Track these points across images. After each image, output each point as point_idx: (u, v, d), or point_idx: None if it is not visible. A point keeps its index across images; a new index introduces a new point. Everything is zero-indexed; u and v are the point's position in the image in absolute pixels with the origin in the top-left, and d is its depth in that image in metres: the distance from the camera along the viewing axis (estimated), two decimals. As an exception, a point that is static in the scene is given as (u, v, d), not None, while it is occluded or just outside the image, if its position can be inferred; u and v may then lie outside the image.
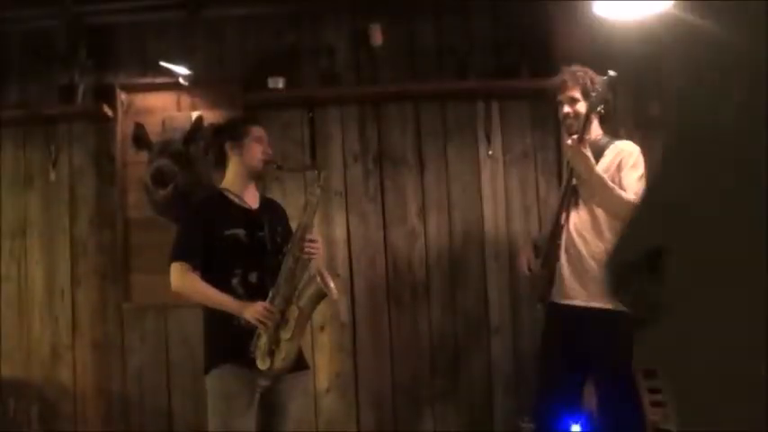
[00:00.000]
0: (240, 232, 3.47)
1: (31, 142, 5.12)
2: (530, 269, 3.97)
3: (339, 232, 5.07)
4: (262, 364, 3.33)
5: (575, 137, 3.61)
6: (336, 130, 5.14)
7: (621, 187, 3.60)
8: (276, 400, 3.48)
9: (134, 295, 5.00)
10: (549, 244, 3.79)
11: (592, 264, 3.65)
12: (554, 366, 3.82)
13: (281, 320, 3.35)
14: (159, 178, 4.86)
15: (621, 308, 3.61)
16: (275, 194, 4.61)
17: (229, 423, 3.36)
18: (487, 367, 5.03)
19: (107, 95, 5.02)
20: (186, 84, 5.03)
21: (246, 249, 3.47)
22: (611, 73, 3.53)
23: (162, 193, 4.85)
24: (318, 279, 3.39)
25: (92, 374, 5.01)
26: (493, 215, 5.11)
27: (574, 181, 3.73)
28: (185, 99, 5.13)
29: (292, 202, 4.62)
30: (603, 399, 3.71)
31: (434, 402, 5.01)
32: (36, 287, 5.07)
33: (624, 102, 4.87)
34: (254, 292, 3.43)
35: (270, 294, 3.39)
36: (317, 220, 4.97)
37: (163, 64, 4.99)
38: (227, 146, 3.63)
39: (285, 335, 3.34)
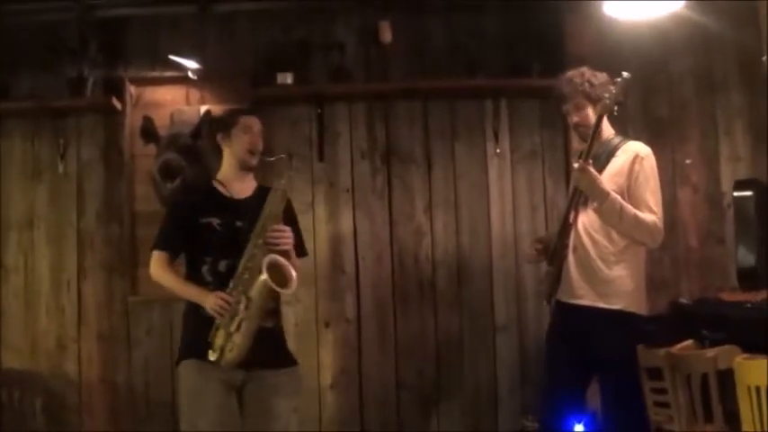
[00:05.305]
0: (214, 220, 3.38)
1: (40, 135, 5.13)
2: (537, 250, 3.92)
3: (346, 229, 5.07)
4: (212, 356, 3.22)
5: (580, 160, 3.56)
6: (345, 126, 5.14)
7: (635, 198, 3.57)
8: (257, 399, 3.34)
9: (140, 288, 5.00)
10: (558, 243, 3.77)
11: (600, 264, 3.62)
12: (559, 365, 3.81)
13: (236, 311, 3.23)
14: (167, 172, 4.86)
15: (628, 309, 3.64)
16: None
17: (195, 422, 3.25)
18: (493, 365, 5.02)
19: (116, 89, 5.04)
20: (195, 78, 5.05)
21: (219, 238, 3.37)
22: (625, 74, 3.46)
23: (170, 186, 4.85)
24: (265, 271, 3.20)
25: (97, 366, 5.02)
26: (500, 214, 5.11)
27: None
28: (194, 93, 5.14)
29: (299, 198, 4.63)
30: (608, 398, 3.69)
31: (439, 400, 5.01)
32: (43, 279, 5.07)
33: (633, 101, 4.86)
34: (223, 281, 3.31)
35: (231, 284, 3.28)
36: (324, 216, 5.03)
37: (172, 58, 5.00)
38: (219, 137, 3.56)
39: (232, 326, 3.21)
